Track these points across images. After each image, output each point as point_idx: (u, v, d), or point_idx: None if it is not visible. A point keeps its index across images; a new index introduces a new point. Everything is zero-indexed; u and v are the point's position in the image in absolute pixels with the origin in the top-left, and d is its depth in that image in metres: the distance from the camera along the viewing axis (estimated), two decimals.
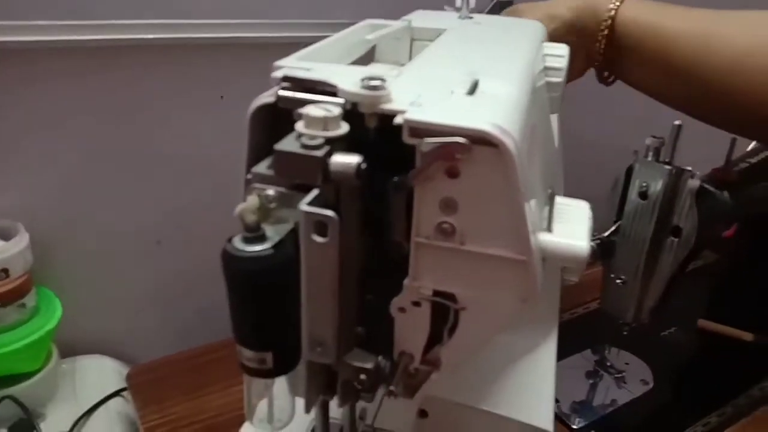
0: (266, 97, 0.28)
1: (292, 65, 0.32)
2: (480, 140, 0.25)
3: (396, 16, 0.51)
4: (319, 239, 0.24)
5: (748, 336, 0.71)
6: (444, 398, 0.43)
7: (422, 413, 0.44)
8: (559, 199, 0.33)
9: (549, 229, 0.31)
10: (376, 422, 0.41)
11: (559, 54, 0.47)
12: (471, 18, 0.51)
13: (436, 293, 0.29)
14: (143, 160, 0.66)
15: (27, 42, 0.55)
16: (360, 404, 0.41)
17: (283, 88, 0.28)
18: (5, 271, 0.55)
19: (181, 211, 0.69)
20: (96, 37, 0.57)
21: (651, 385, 0.64)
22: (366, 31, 0.44)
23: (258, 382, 0.29)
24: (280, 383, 0.30)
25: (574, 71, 0.59)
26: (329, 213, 0.24)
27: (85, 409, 0.61)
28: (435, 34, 0.45)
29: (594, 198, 0.54)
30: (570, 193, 0.51)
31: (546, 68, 0.45)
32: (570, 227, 0.30)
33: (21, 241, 0.57)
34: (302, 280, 0.25)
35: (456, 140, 0.25)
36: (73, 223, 0.65)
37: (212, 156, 0.62)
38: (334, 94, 0.28)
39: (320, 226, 0.24)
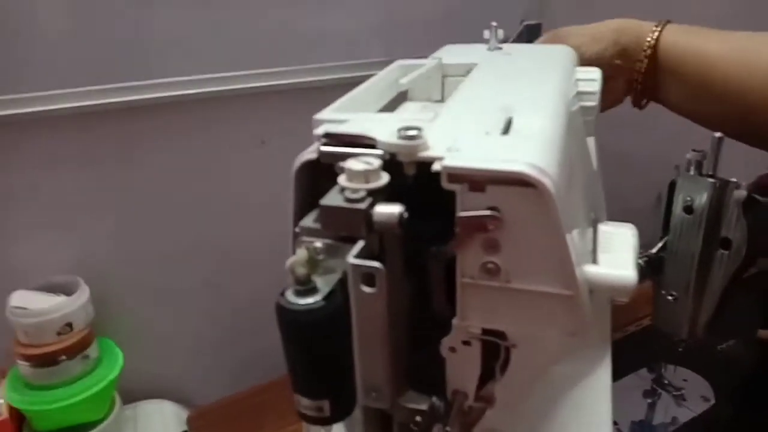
0: (309, 154, 0.30)
1: (330, 117, 0.33)
2: (518, 182, 0.26)
3: (425, 50, 0.52)
4: (367, 290, 0.25)
5: None
6: (503, 431, 0.43)
7: None
8: (603, 227, 0.33)
9: (594, 259, 0.31)
10: None
11: (592, 78, 0.47)
12: (500, 48, 0.52)
13: (486, 331, 0.30)
14: (192, 207, 0.68)
15: (79, 107, 0.58)
16: None
17: (325, 144, 0.30)
18: (69, 325, 0.58)
19: (232, 253, 0.71)
20: (142, 96, 0.60)
21: (712, 401, 0.62)
22: (398, 72, 0.45)
23: (316, 429, 0.29)
24: (338, 428, 0.31)
25: (615, 97, 0.60)
26: (376, 264, 0.25)
27: None
28: (465, 69, 0.45)
29: (638, 214, 0.54)
30: (613, 212, 0.50)
31: (579, 93, 0.45)
32: (615, 256, 0.30)
33: (82, 295, 0.60)
34: (354, 330, 0.26)
35: (487, 213, 0.26)
36: (129, 273, 0.68)
37: (258, 197, 0.64)
38: (373, 146, 0.29)
39: (368, 277, 0.25)
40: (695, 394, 0.63)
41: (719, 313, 0.57)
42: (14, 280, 0.60)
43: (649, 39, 0.55)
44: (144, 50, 0.60)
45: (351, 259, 0.25)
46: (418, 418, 0.29)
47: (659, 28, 0.55)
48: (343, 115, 0.33)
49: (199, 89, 0.62)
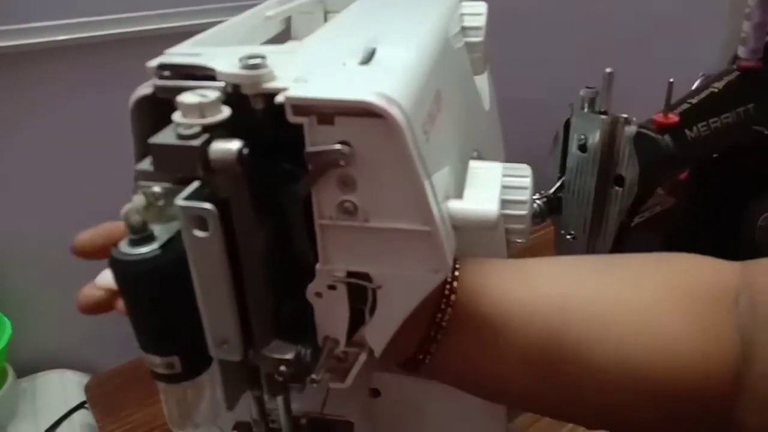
0: (144, 89, 0.27)
1: (180, 52, 0.30)
2: (366, 112, 0.24)
3: None
4: (200, 234, 0.23)
5: None
6: (394, 375, 0.42)
7: (374, 393, 0.44)
8: (473, 164, 0.32)
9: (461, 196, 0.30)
10: (326, 408, 0.40)
11: (478, 12, 0.45)
12: None
13: (350, 274, 0.28)
14: (79, 166, 0.64)
15: None
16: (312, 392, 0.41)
17: (161, 77, 0.27)
18: None
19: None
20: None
21: None
22: (272, 7, 0.43)
23: (174, 387, 0.27)
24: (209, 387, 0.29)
25: None
26: (206, 206, 0.22)
27: (48, 425, 0.60)
28: (349, 3, 0.43)
29: (539, 157, 0.53)
30: (514, 155, 0.50)
31: (464, 28, 0.44)
32: (479, 192, 0.29)
33: None
34: (193, 278, 0.24)
35: (336, 148, 0.24)
36: (15, 237, 0.63)
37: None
38: (213, 78, 0.26)
39: (200, 220, 0.23)
40: None
41: (616, 251, 0.59)
42: None
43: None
44: None
45: (179, 201, 0.23)
46: (282, 368, 0.28)
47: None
48: (197, 49, 0.31)
49: (71, 35, 0.57)
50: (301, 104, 0.24)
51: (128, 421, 0.54)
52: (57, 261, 0.66)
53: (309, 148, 0.25)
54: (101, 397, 0.58)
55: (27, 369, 0.66)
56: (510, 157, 0.51)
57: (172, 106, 0.26)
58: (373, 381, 0.43)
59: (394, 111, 0.24)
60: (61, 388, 0.66)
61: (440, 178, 0.28)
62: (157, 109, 0.27)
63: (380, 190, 0.26)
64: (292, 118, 0.25)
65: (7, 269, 0.64)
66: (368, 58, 0.29)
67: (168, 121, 0.26)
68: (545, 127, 0.61)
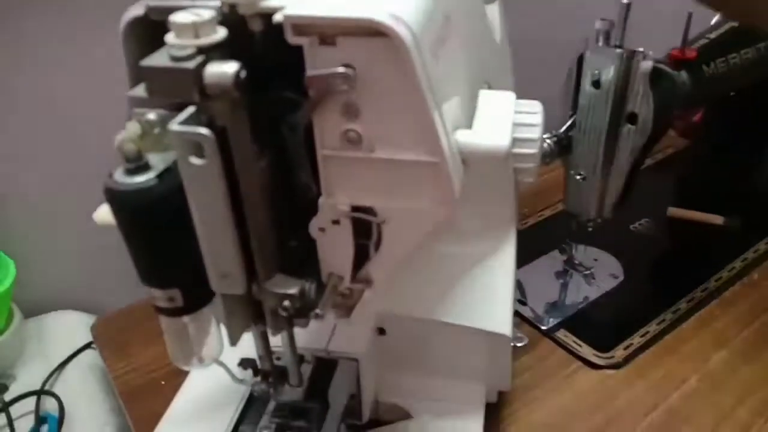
0: (136, 9, 0.25)
1: None
2: (370, 31, 0.23)
3: None
4: (196, 161, 0.22)
5: (718, 219, 0.70)
6: (400, 314, 0.42)
7: (381, 331, 0.43)
8: (484, 92, 0.31)
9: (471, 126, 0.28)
10: (330, 345, 0.40)
11: None
12: None
13: (354, 208, 0.27)
14: (78, 105, 0.62)
15: None
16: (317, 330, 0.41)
17: None
18: None
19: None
20: None
21: (621, 278, 0.63)
22: None
23: (175, 321, 0.27)
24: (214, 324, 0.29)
25: None
26: (202, 130, 0.21)
27: (55, 365, 0.61)
28: None
29: (550, 95, 0.51)
30: (525, 92, 0.48)
31: None
32: (491, 123, 0.28)
33: None
34: (191, 208, 0.23)
35: (338, 71, 0.22)
36: (15, 177, 0.62)
37: None
38: None
39: (196, 146, 0.22)
40: (605, 272, 0.64)
41: (627, 192, 0.57)
42: None
43: None
44: None
45: (173, 126, 0.22)
46: (286, 303, 0.27)
47: None
48: None
49: None
50: (302, 23, 0.23)
51: (136, 360, 0.54)
52: (60, 199, 0.65)
53: (309, 72, 0.24)
54: (108, 337, 0.58)
55: (33, 310, 0.66)
56: (520, 94, 0.49)
57: (165, 29, 0.24)
58: (378, 320, 0.43)
59: (401, 29, 0.22)
60: (67, 329, 0.66)
61: (449, 107, 0.27)
62: (149, 32, 0.26)
63: (386, 118, 0.25)
64: (292, 39, 0.23)
65: (9, 209, 0.63)
66: None
67: (162, 44, 0.24)
68: (557, 63, 0.58)
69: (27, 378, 0.59)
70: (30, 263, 0.63)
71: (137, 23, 0.25)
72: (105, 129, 0.65)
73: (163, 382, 0.52)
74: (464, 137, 0.27)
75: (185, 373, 0.49)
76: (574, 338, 0.56)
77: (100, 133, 0.63)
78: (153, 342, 0.55)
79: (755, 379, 0.51)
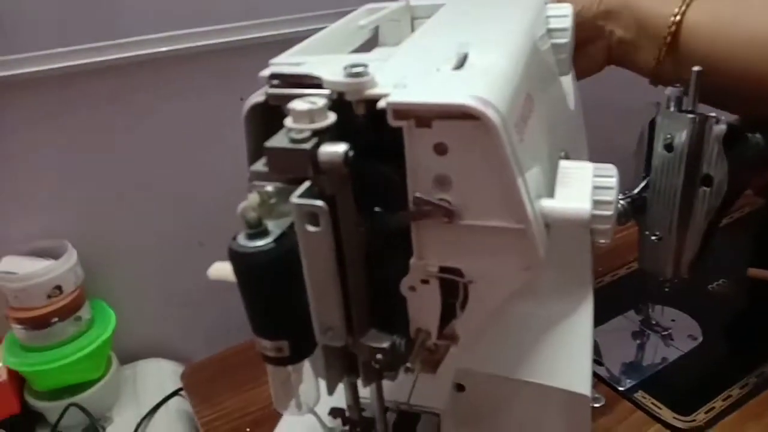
0: (257, 97, 0.29)
1: (284, 62, 0.33)
2: (462, 114, 0.25)
3: None
4: (312, 229, 0.25)
5: None
6: (479, 371, 0.44)
7: (459, 387, 0.45)
8: (563, 163, 0.33)
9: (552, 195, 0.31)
10: (412, 399, 0.42)
11: (563, 14, 0.46)
12: None
13: (443, 269, 0.30)
14: (177, 165, 0.68)
15: (50, 69, 0.58)
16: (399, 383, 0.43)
17: (272, 86, 0.29)
18: (59, 288, 0.59)
19: (219, 211, 0.70)
20: (113, 56, 0.60)
21: (700, 339, 0.62)
22: (364, 16, 0.45)
23: (280, 370, 0.30)
24: (306, 369, 0.32)
25: (592, 64, 0.58)
26: (318, 203, 0.25)
27: (147, 410, 0.65)
28: (434, 11, 0.44)
29: (623, 157, 0.53)
30: (598, 154, 0.50)
31: (550, 30, 0.44)
32: (572, 190, 0.30)
33: (70, 258, 0.61)
34: (304, 269, 0.26)
35: (440, 204, 0.27)
36: (117, 235, 0.68)
37: (243, 154, 0.64)
38: (320, 86, 0.28)
39: (312, 216, 0.25)
40: (683, 333, 0.64)
41: (703, 252, 0.57)
42: (2, 246, 0.61)
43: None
44: (113, 8, 0.59)
45: (294, 199, 0.25)
46: (379, 356, 0.30)
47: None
48: (299, 59, 0.33)
49: (172, 46, 0.61)
50: (401, 108, 0.26)
51: (223, 407, 0.58)
52: (158, 255, 0.71)
53: (417, 194, 0.27)
54: (196, 384, 0.62)
55: (128, 357, 0.71)
56: (594, 157, 0.51)
57: (280, 112, 0.28)
58: (457, 376, 0.44)
59: (490, 113, 0.25)
60: (158, 376, 0.71)
61: (532, 177, 0.29)
62: (266, 115, 0.30)
63: (475, 189, 0.27)
64: (393, 122, 0.27)
65: (111, 261, 0.69)
66: (461, 63, 0.30)
67: (276, 126, 0.28)
68: (628, 127, 0.60)
69: (121, 422, 0.64)
70: (126, 312, 0.68)
71: (258, 108, 0.29)
72: (198, 192, 0.71)
73: (248, 429, 0.55)
74: (548, 204, 0.29)
75: (270, 422, 0.52)
76: (653, 400, 0.55)
77: (192, 196, 0.69)
78: (239, 390, 0.59)
79: None
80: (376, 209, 0.29)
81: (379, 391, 0.34)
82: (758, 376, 0.57)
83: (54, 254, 0.61)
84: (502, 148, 0.26)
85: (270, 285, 0.27)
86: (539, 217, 0.28)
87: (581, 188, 0.30)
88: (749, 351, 0.61)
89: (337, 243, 0.27)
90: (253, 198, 0.28)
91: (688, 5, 0.50)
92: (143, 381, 0.70)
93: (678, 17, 0.49)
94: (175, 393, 0.66)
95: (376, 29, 0.47)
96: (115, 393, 0.66)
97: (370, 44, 0.45)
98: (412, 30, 0.48)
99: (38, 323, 0.58)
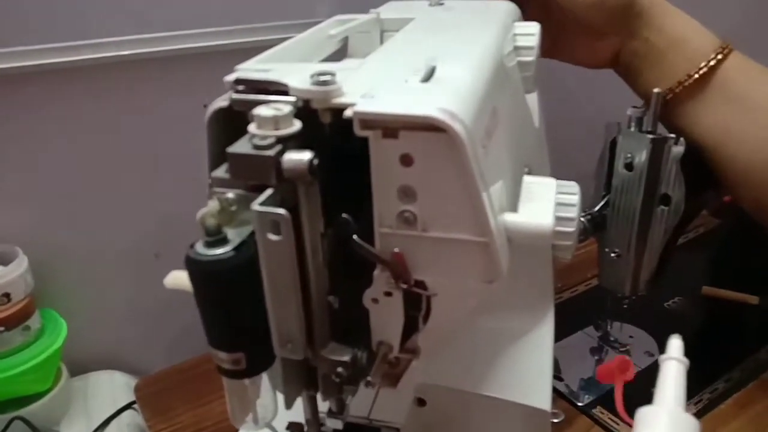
0: (221, 101, 0.29)
1: (252, 68, 0.32)
2: (429, 126, 0.25)
3: (374, 7, 0.51)
4: (273, 237, 0.24)
5: (753, 299, 0.70)
6: (440, 385, 0.43)
7: (420, 402, 0.44)
8: (527, 179, 0.33)
9: (516, 209, 0.31)
10: (372, 414, 0.41)
11: (530, 32, 0.46)
12: (442, 5, 0.51)
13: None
14: (135, 175, 0.67)
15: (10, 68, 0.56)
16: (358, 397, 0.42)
17: (237, 91, 0.29)
18: (6, 295, 0.56)
19: (177, 222, 0.69)
20: (81, 57, 0.58)
21: (656, 356, 0.63)
22: (333, 27, 0.44)
23: (237, 383, 0.29)
24: (263, 382, 0.31)
25: (596, 58, 0.56)
26: (280, 211, 0.24)
27: (98, 424, 0.62)
28: (404, 24, 0.45)
29: (585, 175, 0.54)
30: (560, 171, 0.50)
31: (517, 48, 0.45)
32: (535, 205, 0.30)
33: (20, 264, 0.58)
34: (264, 279, 0.26)
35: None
36: (71, 242, 0.66)
37: (201, 162, 0.63)
38: (286, 92, 0.28)
39: (274, 224, 0.24)
40: (640, 349, 0.65)
41: (661, 270, 0.58)
42: None
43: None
44: (81, 9, 0.58)
45: (255, 206, 0.24)
46: (340, 370, 0.29)
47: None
48: (266, 65, 0.32)
49: (138, 49, 0.60)
50: (368, 119, 0.26)
51: (177, 422, 0.56)
52: (110, 264, 0.69)
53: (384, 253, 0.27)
54: (150, 397, 0.60)
55: (79, 369, 0.69)
56: (555, 173, 0.52)
57: (244, 118, 0.27)
58: (418, 390, 0.44)
59: (456, 126, 0.25)
60: (111, 389, 0.68)
61: (496, 191, 0.29)
62: (229, 121, 0.29)
63: (440, 201, 0.27)
64: (359, 132, 0.26)
65: (62, 269, 0.66)
66: (429, 75, 0.30)
67: (239, 132, 0.27)
68: (589, 145, 0.61)
69: None
70: (78, 323, 0.65)
71: (221, 112, 0.29)
72: (155, 201, 0.69)
73: None
74: (511, 218, 0.29)
75: None
76: (611, 415, 0.56)
77: (150, 205, 0.67)
78: (194, 404, 0.57)
79: None
80: (344, 216, 0.29)
81: (340, 404, 0.33)
82: (711, 392, 0.58)
83: (3, 260, 0.59)
84: (467, 161, 0.26)
85: (228, 295, 0.26)
86: (502, 231, 0.28)
87: (544, 204, 0.30)
88: (705, 368, 0.62)
89: (299, 252, 0.26)
90: (213, 205, 0.27)
91: (725, 56, 0.48)
92: (95, 394, 0.67)
93: (713, 62, 0.47)
94: (127, 406, 0.64)
95: (346, 40, 0.46)
96: (64, 406, 0.64)
97: (339, 55, 0.45)
98: (381, 42, 0.48)
99: None
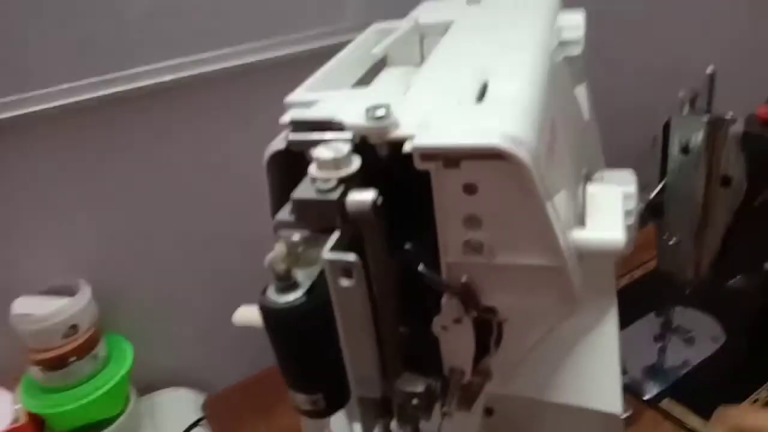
0: (278, 143, 0.29)
1: (299, 99, 0.32)
2: (493, 155, 0.25)
3: (405, 8, 0.50)
4: (346, 283, 0.24)
5: None
6: (508, 394, 0.43)
7: (488, 411, 0.44)
8: (590, 188, 0.32)
9: (582, 222, 0.30)
10: (442, 429, 0.41)
11: (575, 24, 0.45)
12: (478, 2, 0.50)
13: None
14: (189, 195, 0.67)
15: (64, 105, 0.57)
16: None
17: (293, 131, 0.29)
18: (74, 327, 0.58)
19: (235, 237, 0.70)
20: (125, 87, 0.59)
21: (723, 340, 0.62)
22: (373, 38, 0.44)
23: (317, 422, 0.29)
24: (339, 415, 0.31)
25: None
26: (351, 258, 0.24)
27: None
28: (443, 28, 0.44)
29: (637, 159, 0.52)
30: (610, 159, 0.49)
31: (562, 42, 0.43)
32: (603, 218, 0.29)
33: (84, 295, 0.60)
34: (338, 323, 0.26)
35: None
36: (132, 267, 0.67)
37: (257, 180, 0.63)
38: (341, 128, 0.27)
39: (345, 270, 0.24)
40: (705, 335, 0.63)
41: (724, 252, 0.57)
42: (16, 286, 0.60)
43: None
44: (119, 40, 0.58)
45: (326, 254, 0.24)
46: (415, 401, 0.29)
47: None
48: (312, 95, 0.32)
49: (178, 74, 0.61)
50: (429, 152, 0.25)
51: None
52: (174, 283, 0.70)
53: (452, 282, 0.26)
54: (219, 414, 0.61)
55: (145, 388, 0.71)
56: (608, 161, 0.50)
57: (301, 156, 0.27)
58: (486, 400, 0.43)
59: (521, 152, 0.24)
60: (178, 406, 0.70)
61: (562, 207, 0.28)
62: (288, 162, 0.29)
63: (507, 228, 0.26)
64: (420, 165, 0.26)
65: (124, 294, 0.68)
66: (482, 93, 0.29)
67: (299, 171, 0.27)
68: (642, 130, 0.59)
69: None
70: (145, 342, 0.67)
71: (279, 155, 0.29)
72: (210, 217, 0.70)
73: None
74: (581, 236, 0.28)
75: None
76: (681, 408, 0.55)
77: (213, 226, 0.68)
78: (263, 419, 0.58)
79: None
80: (407, 247, 0.28)
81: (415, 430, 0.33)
82: None
83: (68, 292, 0.60)
84: (533, 186, 0.25)
85: (303, 339, 0.26)
86: (573, 252, 0.28)
87: (612, 216, 0.29)
88: None
89: (369, 291, 0.26)
90: (280, 248, 0.27)
91: None
92: (163, 411, 0.69)
93: None
94: (196, 423, 0.66)
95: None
96: (134, 427, 0.65)
97: (379, 64, 0.45)
98: (421, 48, 0.47)
99: (55, 364, 0.57)
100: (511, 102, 0.28)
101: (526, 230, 0.26)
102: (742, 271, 0.71)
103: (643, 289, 0.70)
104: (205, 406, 0.64)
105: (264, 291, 0.26)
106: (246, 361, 0.69)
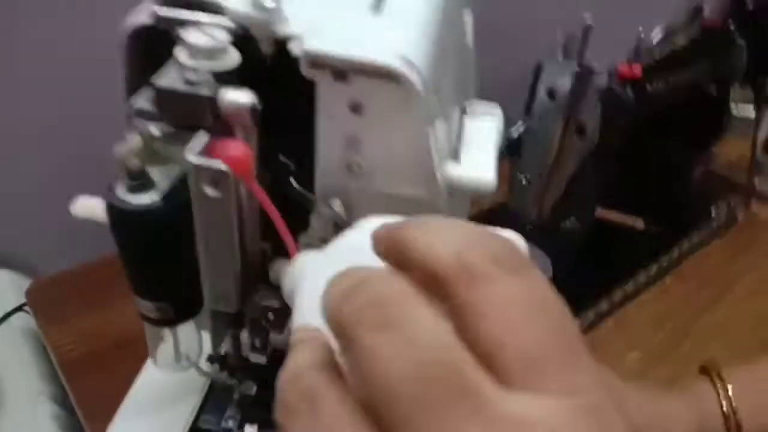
0: (140, 17, 0.25)
1: None
2: (385, 75, 0.23)
3: None
4: (212, 193, 0.22)
5: (639, 224, 0.75)
6: None
7: None
8: (467, 121, 0.32)
9: (457, 156, 0.30)
10: None
11: None
12: None
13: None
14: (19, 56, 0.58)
15: None
16: None
17: (161, 3, 0.25)
18: None
19: (73, 98, 0.61)
20: None
21: (549, 273, 0.67)
22: None
23: (162, 331, 0.27)
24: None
25: None
26: (221, 167, 0.22)
27: None
28: None
29: (508, 91, 0.53)
30: (483, 87, 0.49)
31: None
32: (476, 155, 0.29)
33: None
34: (198, 235, 0.23)
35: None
36: None
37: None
38: (220, 12, 0.24)
39: (212, 179, 0.22)
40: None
41: (565, 196, 0.61)
42: None
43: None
44: None
45: (191, 157, 0.22)
46: (270, 315, 0.28)
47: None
48: None
49: None
50: (319, 60, 0.23)
51: (75, 330, 0.53)
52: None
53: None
54: (44, 302, 0.56)
55: None
56: (481, 91, 0.50)
57: (167, 37, 0.24)
58: None
59: (414, 78, 0.23)
60: None
61: (441, 138, 0.28)
62: (150, 41, 0.25)
63: (387, 154, 0.26)
64: (307, 71, 0.24)
65: None
66: (378, 2, 0.27)
67: (160, 51, 0.24)
68: (517, 65, 0.60)
69: None
70: None
71: (141, 31, 0.25)
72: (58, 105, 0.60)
73: None
74: (455, 172, 0.28)
75: (133, 345, 0.49)
76: None
77: (51, 96, 0.59)
78: (93, 311, 0.54)
79: (667, 380, 0.56)
80: (282, 159, 0.27)
81: (264, 343, 0.32)
82: (596, 311, 0.63)
83: None
84: (421, 114, 0.24)
85: (155, 246, 0.24)
86: (444, 186, 0.28)
87: (486, 155, 0.30)
88: (591, 288, 0.67)
89: (236, 203, 0.24)
90: (136, 141, 0.24)
91: None
92: None
93: None
94: (17, 309, 0.60)
95: None
96: None
97: None
98: None
99: None
100: (409, 20, 0.26)
101: (406, 159, 0.25)
102: (574, 213, 0.77)
103: (488, 222, 0.74)
104: (28, 294, 0.58)
105: (111, 187, 0.23)
106: (79, 247, 0.62)
